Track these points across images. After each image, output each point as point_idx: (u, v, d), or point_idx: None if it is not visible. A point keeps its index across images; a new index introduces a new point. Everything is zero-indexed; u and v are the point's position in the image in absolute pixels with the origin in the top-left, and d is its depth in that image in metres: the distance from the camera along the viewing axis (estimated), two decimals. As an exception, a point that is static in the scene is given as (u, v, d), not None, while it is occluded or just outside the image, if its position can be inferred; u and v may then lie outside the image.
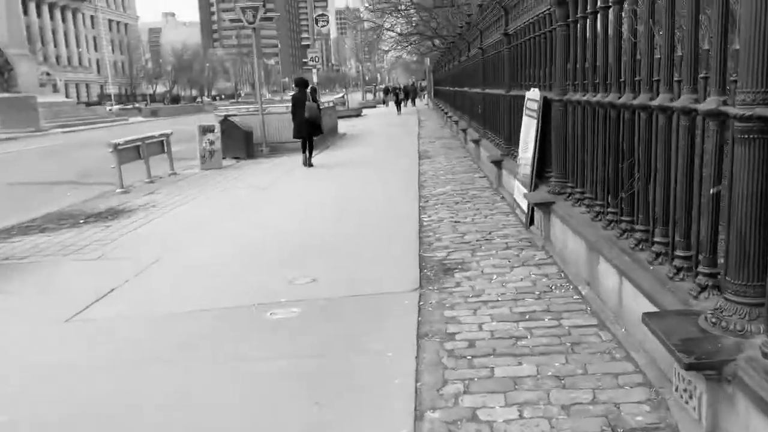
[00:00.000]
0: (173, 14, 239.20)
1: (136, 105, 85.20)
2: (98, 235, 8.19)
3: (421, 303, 4.76)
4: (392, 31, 47.59)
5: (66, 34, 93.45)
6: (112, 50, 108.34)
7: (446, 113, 26.34)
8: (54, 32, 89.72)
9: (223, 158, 16.36)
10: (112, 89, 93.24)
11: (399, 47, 56.67)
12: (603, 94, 4.68)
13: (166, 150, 14.13)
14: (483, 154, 11.85)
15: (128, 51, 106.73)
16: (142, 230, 8.27)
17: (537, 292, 4.82)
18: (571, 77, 5.63)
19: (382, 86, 72.92)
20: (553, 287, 4.91)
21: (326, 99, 27.60)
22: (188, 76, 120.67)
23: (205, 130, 15.03)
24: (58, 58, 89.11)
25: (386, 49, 58.77)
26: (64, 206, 10.49)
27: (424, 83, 64.07)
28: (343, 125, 25.42)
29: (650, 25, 3.84)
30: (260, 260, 6.36)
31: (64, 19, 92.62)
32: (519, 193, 7.22)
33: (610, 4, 4.53)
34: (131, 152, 12.62)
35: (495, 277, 5.27)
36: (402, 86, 51.56)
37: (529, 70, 7.75)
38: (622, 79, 4.30)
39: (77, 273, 6.39)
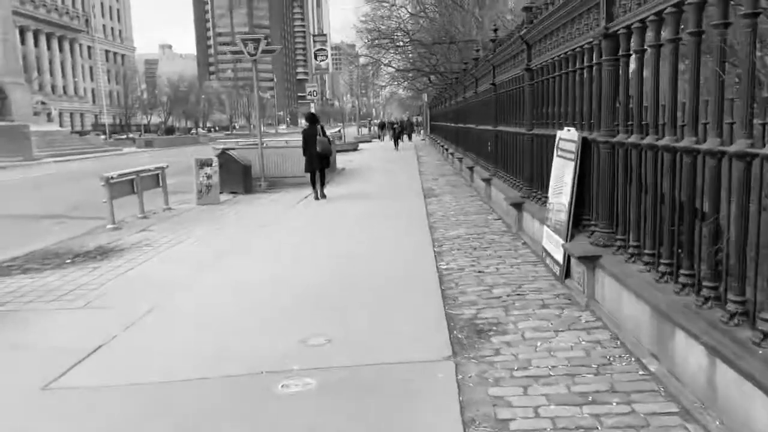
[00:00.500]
0: (170, 46, 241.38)
1: (131, 135, 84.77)
2: (85, 278, 7.47)
3: (459, 377, 4.06)
4: (390, 66, 47.66)
5: (63, 64, 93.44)
6: (108, 80, 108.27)
7: (446, 149, 25.88)
8: (51, 61, 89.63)
9: (221, 193, 15.73)
10: (106, 119, 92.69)
11: (395, 83, 56.87)
12: (671, 138, 4.07)
13: (161, 184, 13.47)
14: (496, 195, 11.25)
15: (124, 81, 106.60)
16: (133, 273, 7.55)
17: (594, 365, 4.13)
18: (622, 117, 5.03)
19: (377, 121, 72.87)
20: (611, 359, 4.23)
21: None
22: (183, 108, 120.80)
23: (203, 163, 14.40)
24: (53, 87, 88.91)
25: (383, 84, 58.97)
26: (50, 243, 9.77)
27: (419, 118, 64.10)
28: (340, 159, 24.83)
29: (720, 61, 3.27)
30: (265, 313, 5.65)
31: (61, 49, 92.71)
32: (550, 241, 6.58)
33: (674, 38, 3.96)
34: (125, 186, 11.95)
35: (539, 343, 4.58)
36: (399, 121, 50.96)
37: (557, 108, 7.18)
38: (705, 122, 3.67)
39: (59, 326, 5.65)
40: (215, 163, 14.51)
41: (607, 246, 5.24)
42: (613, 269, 4.82)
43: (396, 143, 37.16)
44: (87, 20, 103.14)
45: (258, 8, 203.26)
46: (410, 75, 50.37)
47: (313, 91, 30.83)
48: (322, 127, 14.75)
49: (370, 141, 50.23)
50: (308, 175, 14.40)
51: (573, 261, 5.81)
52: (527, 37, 8.26)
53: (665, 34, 4.16)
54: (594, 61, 5.66)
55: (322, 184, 14.39)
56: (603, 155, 5.37)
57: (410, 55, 45.78)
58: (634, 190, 4.71)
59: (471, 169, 15.39)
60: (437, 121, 35.28)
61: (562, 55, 6.79)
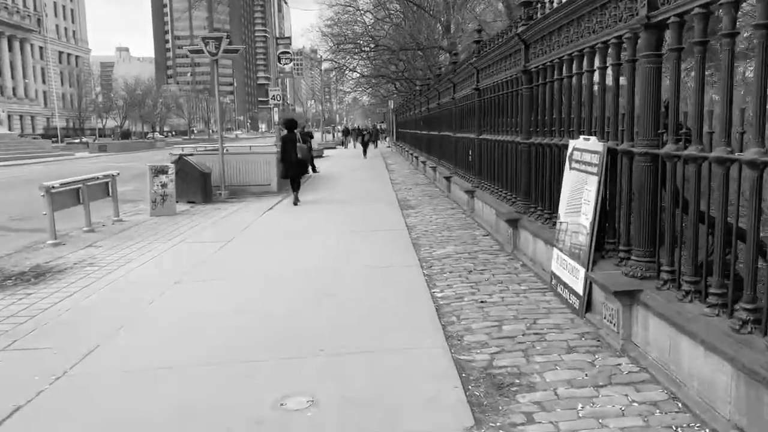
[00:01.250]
0: (127, 49, 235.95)
1: (84, 139, 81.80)
2: (14, 306, 6.32)
3: (492, 461, 3.10)
4: (355, 71, 46.76)
5: (12, 65, 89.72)
6: (61, 82, 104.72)
7: (416, 157, 25.05)
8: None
9: (177, 202, 14.54)
10: (59, 122, 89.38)
11: (360, 89, 56.00)
12: (759, 150, 3.20)
13: (111, 193, 12.21)
14: (482, 208, 10.39)
15: (78, 83, 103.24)
16: (71, 301, 6.40)
17: (661, 441, 3.23)
18: (673, 124, 4.16)
19: (341, 127, 71.62)
20: (678, 430, 3.33)
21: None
22: (140, 112, 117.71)
23: (158, 171, 13.19)
24: (2, 88, 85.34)
25: (347, 90, 58.07)
26: (-22, 262, 8.52)
27: (382, 125, 63.27)
28: (307, 167, 23.80)
29: None
30: (231, 361, 4.60)
31: (11, 49, 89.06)
32: (563, 266, 5.69)
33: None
34: (69, 196, 10.68)
35: (580, 405, 3.65)
36: (368, 128, 49.80)
37: (565, 114, 6.33)
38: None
39: (-33, 378, 4.51)
40: (171, 170, 13.32)
41: (647, 278, 4.37)
42: (661, 309, 3.93)
43: (365, 151, 36.00)
44: (39, 20, 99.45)
45: (218, 11, 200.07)
46: (375, 81, 49.60)
47: (277, 95, 29.62)
48: (303, 134, 15.96)
49: (335, 147, 49.15)
50: (273, 183, 14.72)
51: (598, 293, 4.92)
52: (525, 35, 7.40)
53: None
54: (626, 58, 4.78)
55: (297, 191, 14.53)
56: (640, 169, 4.49)
57: (375, 61, 44.99)
58: (693, 214, 3.84)
59: (448, 179, 14.52)
60: (405, 128, 34.51)
61: (574, 53, 5.93)
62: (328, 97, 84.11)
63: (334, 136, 64.90)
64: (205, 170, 15.50)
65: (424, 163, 21.23)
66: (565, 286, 5.59)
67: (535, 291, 6.15)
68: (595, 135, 5.43)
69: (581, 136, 5.67)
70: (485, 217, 10.04)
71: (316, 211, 13.10)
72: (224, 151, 18.09)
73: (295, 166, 14.36)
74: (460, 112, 13.27)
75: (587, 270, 5.10)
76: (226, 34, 16.52)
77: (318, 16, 68.95)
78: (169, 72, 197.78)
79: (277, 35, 40.42)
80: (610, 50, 5.13)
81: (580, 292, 5.20)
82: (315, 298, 6.12)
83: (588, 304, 5.14)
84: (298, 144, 14.45)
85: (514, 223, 7.75)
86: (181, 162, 15.21)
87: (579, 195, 5.45)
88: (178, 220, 12.39)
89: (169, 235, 10.48)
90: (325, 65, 51.04)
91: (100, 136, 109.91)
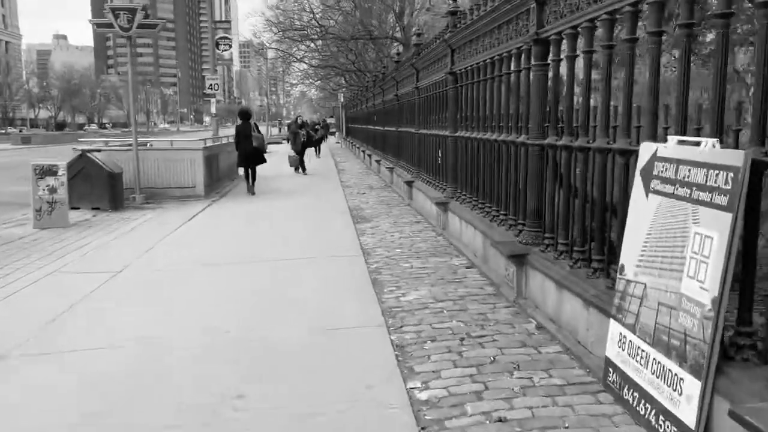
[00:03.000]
0: (65, 36, 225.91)
1: (10, 130, 76.17)
2: None
3: None
4: (303, 62, 43.91)
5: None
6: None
7: (368, 155, 22.61)
8: None
9: (77, 208, 11.81)
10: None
11: (308, 81, 52.97)
12: None
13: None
14: (460, 228, 8.00)
15: (6, 70, 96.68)
16: None
17: None
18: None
19: (288, 121, 67.42)
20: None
21: (227, 133, 23.08)
22: (76, 102, 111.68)
23: (44, 172, 10.36)
24: None
25: (294, 82, 54.98)
26: None
27: (330, 120, 60.30)
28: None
29: None
30: None
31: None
32: (637, 359, 3.32)
33: None
34: None
35: None
36: (320, 121, 43.62)
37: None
38: None
39: None
40: (62, 171, 10.49)
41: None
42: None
43: (318, 150, 29.21)
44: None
45: (162, 1, 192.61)
46: (323, 73, 46.75)
47: (215, 84, 26.60)
48: (256, 124, 15.58)
49: (280, 143, 46.11)
50: (199, 186, 13.69)
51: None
52: (451, 41, 5.02)
53: None
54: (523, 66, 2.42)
55: (254, 181, 14.80)
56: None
57: (324, 53, 42.24)
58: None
59: (409, 184, 12.11)
60: (356, 123, 31.97)
61: (487, 60, 3.57)
62: (273, 89, 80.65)
63: (280, 131, 61.75)
64: (114, 170, 12.65)
65: (378, 162, 18.78)
66: (646, 397, 3.21)
67: (580, 390, 3.76)
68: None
69: (669, 137, 3.32)
70: (465, 240, 7.66)
71: (247, 224, 10.50)
72: (146, 146, 15.34)
73: (250, 156, 14.68)
74: (427, 103, 10.85)
75: (704, 381, 2.75)
76: (142, 6, 13.67)
77: (263, 2, 65.05)
78: (110, 62, 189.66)
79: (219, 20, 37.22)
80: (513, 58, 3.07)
81: (690, 422, 2.83)
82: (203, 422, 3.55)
83: (705, 440, 2.78)
84: (254, 134, 14.70)
85: (520, 259, 5.35)
86: (83, 160, 12.37)
87: (676, 243, 3.08)
88: (68, 235, 9.63)
89: (45, 259, 7.79)
90: (270, 54, 47.93)
91: (32, 126, 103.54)
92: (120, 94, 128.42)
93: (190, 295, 6.09)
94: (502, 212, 6.44)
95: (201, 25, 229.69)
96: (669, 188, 3.22)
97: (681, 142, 3.21)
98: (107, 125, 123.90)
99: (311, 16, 38.99)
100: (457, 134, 8.50)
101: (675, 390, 2.97)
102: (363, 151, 25.53)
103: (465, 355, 4.34)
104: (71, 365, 4.33)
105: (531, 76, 5.32)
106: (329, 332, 4.87)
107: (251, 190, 14.62)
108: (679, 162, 3.16)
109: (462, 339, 4.66)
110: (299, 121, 22.52)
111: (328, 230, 9.55)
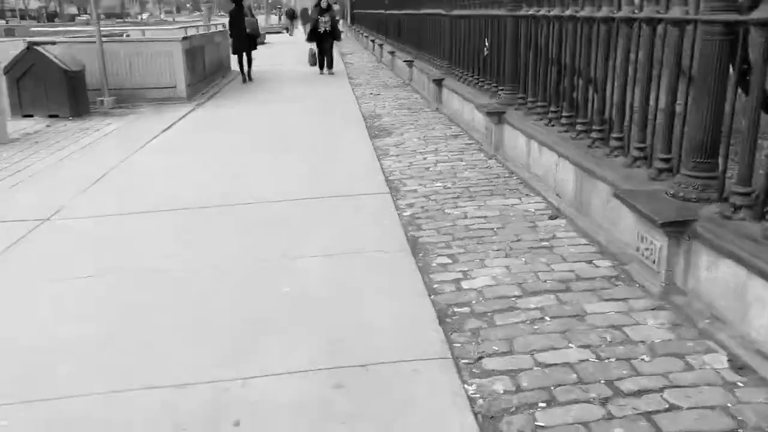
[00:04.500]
0: None
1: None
2: None
3: None
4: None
5: None
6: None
7: (378, 44, 19.80)
8: None
9: (30, 116, 9.66)
10: (-32, 1, 78.60)
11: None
12: None
13: None
14: (528, 151, 5.70)
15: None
16: None
17: None
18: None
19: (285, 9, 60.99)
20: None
21: (220, 21, 20.18)
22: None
23: (-29, 72, 8.03)
24: None
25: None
26: None
27: (335, 5, 56.00)
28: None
29: None
30: None
31: None
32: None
33: None
34: None
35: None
36: (328, 4, 34.09)
37: None
38: None
39: None
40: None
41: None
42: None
43: (322, 62, 17.52)
44: None
45: None
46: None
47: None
48: (250, 8, 15.37)
49: (279, 32, 42.56)
50: (180, 86, 11.48)
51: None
52: None
53: None
54: None
55: (249, 67, 14.48)
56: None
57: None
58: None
59: (438, 83, 9.64)
60: (363, 7, 28.56)
61: None
62: (274, -27, 74.91)
63: (280, 19, 57.49)
64: (72, 67, 10.22)
65: (392, 54, 16.06)
66: None
67: None
68: None
69: None
70: (537, 170, 5.39)
71: (232, 145, 8.26)
72: (125, 37, 12.88)
73: (245, 41, 14.18)
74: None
75: None
76: None
77: None
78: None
79: None
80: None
81: None
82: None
83: None
84: (246, 18, 14.23)
85: (680, 225, 3.15)
86: (31, 55, 9.94)
87: None
88: (7, 152, 7.47)
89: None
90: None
91: (22, 18, 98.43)
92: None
93: (143, 242, 3.97)
94: (615, 136, 4.15)
95: None
96: None
97: None
98: (101, 15, 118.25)
99: None
100: (521, 12, 5.99)
101: None
102: (372, 41, 22.58)
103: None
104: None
105: None
106: (352, 382, 2.75)
107: (248, 77, 14.41)
108: None
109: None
110: (323, 4, 15.54)
111: (337, 150, 7.28)
